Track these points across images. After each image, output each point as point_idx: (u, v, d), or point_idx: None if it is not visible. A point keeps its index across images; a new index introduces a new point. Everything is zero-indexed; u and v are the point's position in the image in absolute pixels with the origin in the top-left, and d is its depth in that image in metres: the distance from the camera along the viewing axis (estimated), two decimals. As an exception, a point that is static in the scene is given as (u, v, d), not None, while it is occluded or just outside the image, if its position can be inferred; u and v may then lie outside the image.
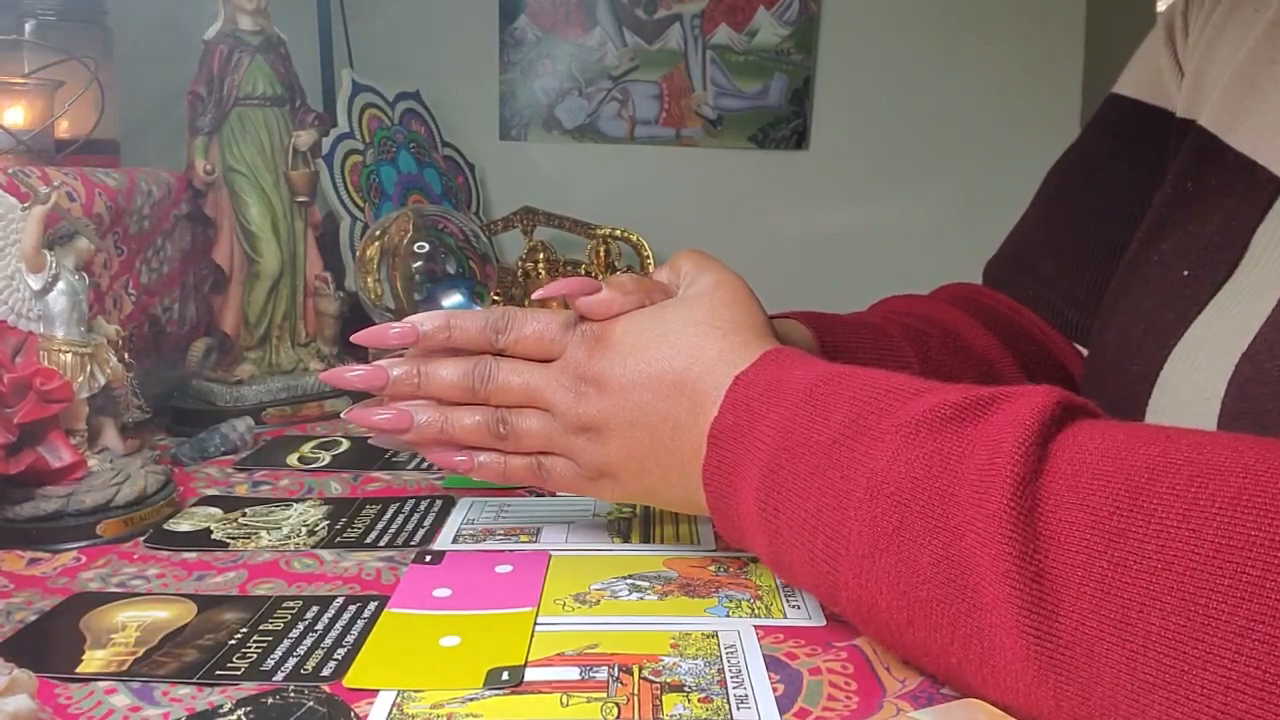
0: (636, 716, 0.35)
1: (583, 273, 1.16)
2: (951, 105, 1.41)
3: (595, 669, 0.39)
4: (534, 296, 0.50)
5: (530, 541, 0.53)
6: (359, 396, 0.73)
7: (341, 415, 0.52)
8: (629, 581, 0.47)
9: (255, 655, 0.40)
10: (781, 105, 1.40)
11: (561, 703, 0.36)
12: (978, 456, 0.34)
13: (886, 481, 0.36)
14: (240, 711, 0.36)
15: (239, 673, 0.39)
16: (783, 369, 0.43)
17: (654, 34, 1.37)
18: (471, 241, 0.74)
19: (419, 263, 0.73)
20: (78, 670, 0.39)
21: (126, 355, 0.63)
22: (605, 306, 0.48)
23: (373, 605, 0.45)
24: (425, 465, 0.67)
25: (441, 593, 0.46)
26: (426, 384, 0.50)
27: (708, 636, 0.42)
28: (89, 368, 0.58)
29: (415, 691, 0.37)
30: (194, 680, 0.38)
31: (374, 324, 0.77)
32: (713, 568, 0.49)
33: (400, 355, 0.51)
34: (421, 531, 0.54)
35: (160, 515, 0.56)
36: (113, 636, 0.42)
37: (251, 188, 0.79)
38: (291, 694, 0.37)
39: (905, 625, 0.36)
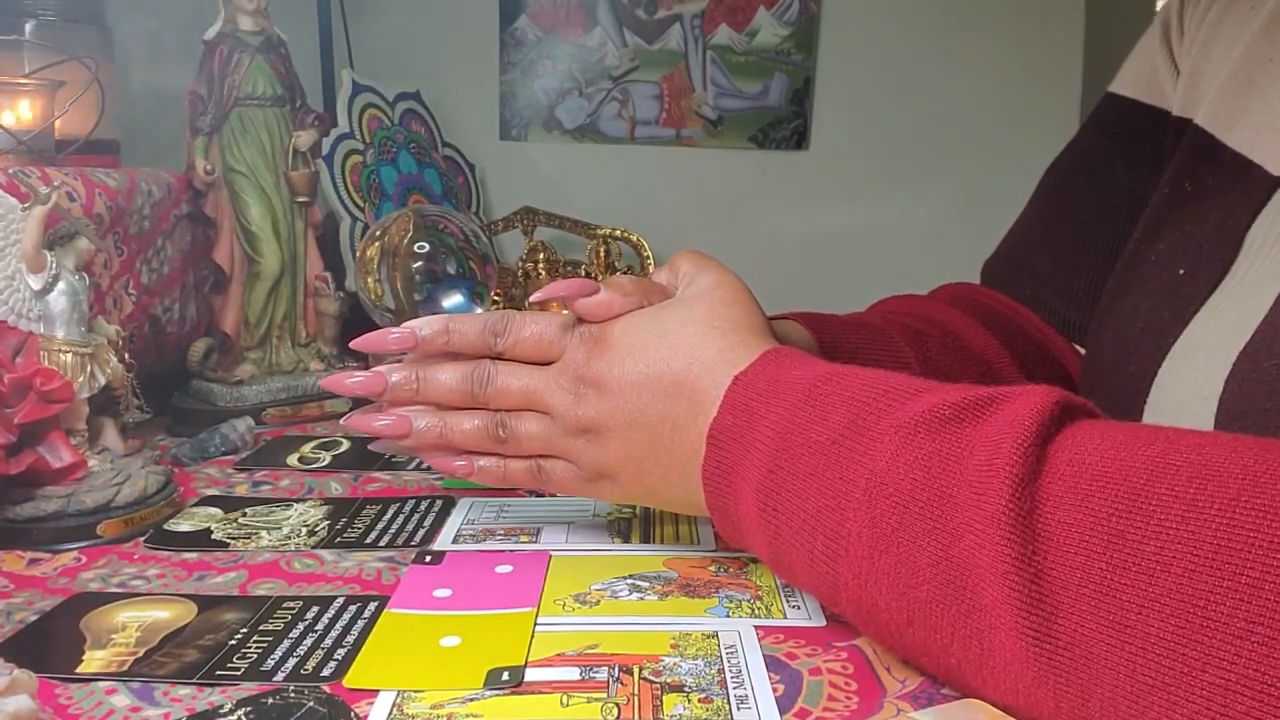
0: (637, 717, 0.35)
1: (583, 273, 1.16)
2: (951, 105, 1.41)
3: (595, 669, 0.39)
4: (532, 299, 0.50)
5: (530, 542, 0.53)
6: (359, 402, 0.73)
7: (341, 422, 0.52)
8: (629, 582, 0.47)
9: (255, 655, 0.40)
10: (782, 105, 1.40)
11: (562, 703, 0.36)
12: (977, 457, 0.34)
13: (886, 482, 0.36)
14: (240, 712, 0.36)
15: (239, 673, 0.39)
16: (781, 369, 0.43)
17: (654, 34, 1.37)
18: (472, 242, 0.74)
19: (419, 263, 0.73)
20: (78, 670, 0.39)
21: (127, 355, 0.63)
22: (604, 308, 0.48)
23: (373, 605, 0.45)
24: (425, 466, 0.67)
25: (442, 593, 0.46)
26: (425, 389, 0.50)
27: (708, 637, 0.42)
28: (89, 368, 0.58)
29: (415, 692, 0.37)
30: (194, 680, 0.38)
31: (374, 324, 0.77)
32: (713, 568, 0.49)
33: (399, 360, 0.51)
34: (422, 532, 0.54)
35: (160, 515, 0.56)
36: (113, 637, 0.42)
37: (252, 188, 0.79)
38: (292, 694, 0.37)
39: (905, 626, 0.36)
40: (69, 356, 0.57)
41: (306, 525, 0.55)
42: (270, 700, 0.36)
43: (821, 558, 0.38)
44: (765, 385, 0.43)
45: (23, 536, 0.52)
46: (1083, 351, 0.61)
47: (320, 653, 0.40)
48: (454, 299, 0.74)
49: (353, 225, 1.03)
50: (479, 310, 0.75)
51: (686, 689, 0.37)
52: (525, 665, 0.39)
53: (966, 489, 0.34)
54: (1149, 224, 0.54)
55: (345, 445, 0.71)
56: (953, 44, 1.40)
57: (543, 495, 0.61)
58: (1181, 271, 0.49)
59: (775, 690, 0.37)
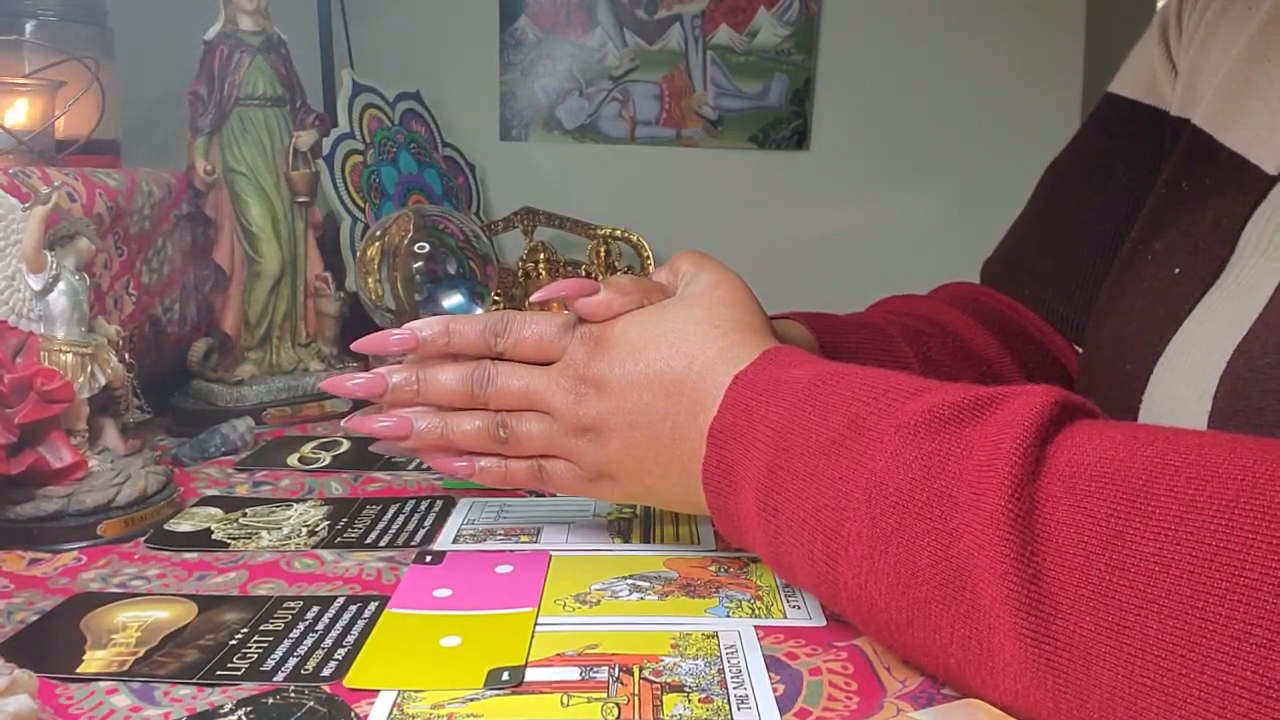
0: (637, 717, 0.35)
1: (583, 273, 1.16)
2: (952, 105, 1.41)
3: (596, 669, 0.39)
4: (532, 299, 0.50)
5: (531, 542, 0.53)
6: (359, 403, 0.73)
7: (342, 424, 0.52)
8: (629, 582, 0.47)
9: (256, 655, 0.40)
10: (782, 105, 1.40)
11: (562, 703, 0.36)
12: (976, 457, 0.34)
13: (885, 482, 0.36)
14: (241, 712, 0.36)
15: (239, 673, 0.39)
16: (782, 368, 0.43)
17: (654, 34, 1.37)
18: (472, 242, 0.74)
19: (419, 263, 0.73)
20: (78, 670, 0.39)
21: (127, 355, 0.63)
22: (604, 308, 0.48)
23: (373, 605, 0.45)
24: (426, 466, 0.67)
25: (442, 593, 0.46)
26: (426, 390, 0.50)
27: (708, 637, 0.42)
28: (89, 368, 0.58)
29: (416, 692, 0.37)
30: (194, 680, 0.38)
31: (375, 324, 0.77)
32: (713, 568, 0.49)
33: (399, 361, 0.51)
34: (422, 532, 0.54)
35: (161, 515, 0.56)
36: (113, 637, 0.42)
37: (252, 188, 0.79)
38: (292, 694, 0.37)
39: (905, 625, 0.36)
40: (69, 356, 0.57)
41: (307, 525, 0.55)
42: (270, 700, 0.36)
43: (821, 557, 0.39)
44: (765, 384, 0.43)
45: (23, 536, 0.52)
46: (1081, 351, 0.61)
47: (320, 653, 0.40)
48: (454, 299, 0.74)
49: (353, 225, 1.03)
50: (479, 310, 0.75)
51: (687, 689, 0.37)
52: (525, 665, 0.39)
53: (966, 489, 0.34)
54: (1146, 224, 0.54)
55: (345, 445, 0.71)
56: (953, 44, 1.40)
57: (543, 495, 0.61)
58: (1177, 270, 0.49)
59: (775, 690, 0.37)
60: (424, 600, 0.45)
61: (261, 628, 0.42)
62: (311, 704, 0.36)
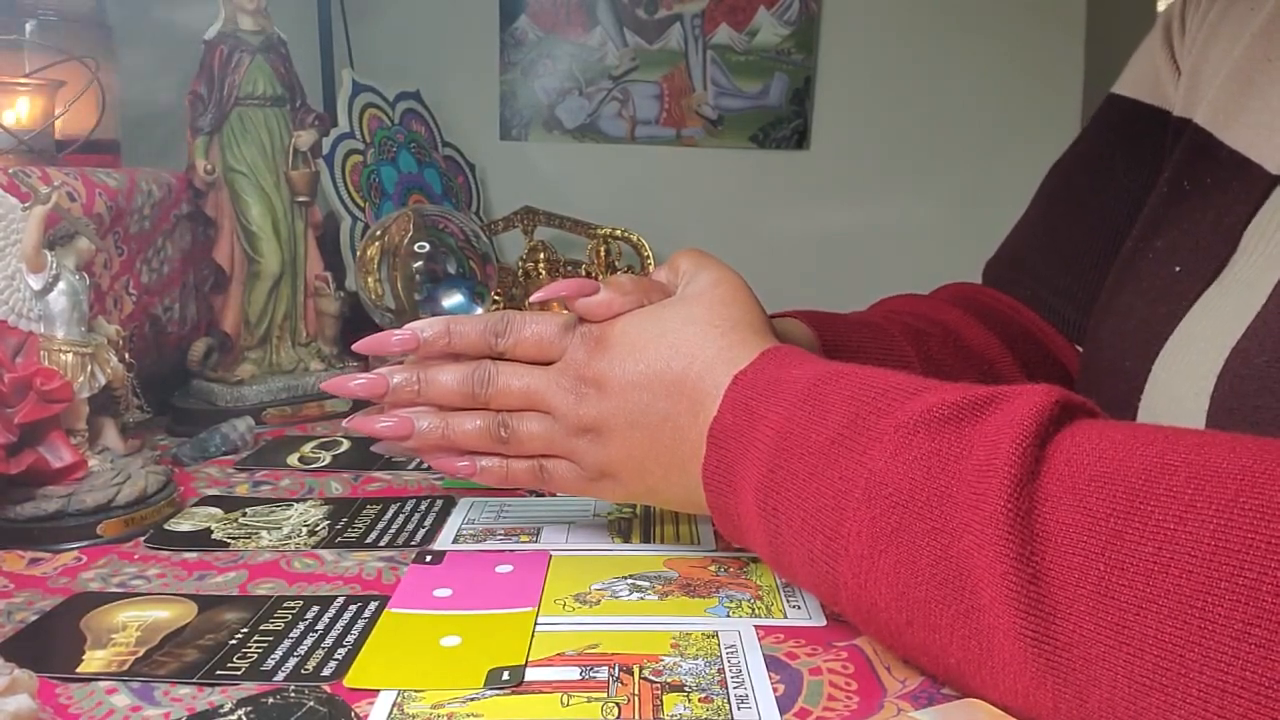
0: (637, 716, 0.35)
1: (583, 273, 1.16)
2: (952, 105, 1.41)
3: (596, 669, 0.39)
4: (532, 299, 0.50)
5: (531, 541, 0.53)
6: (360, 403, 0.73)
7: (343, 424, 0.52)
8: (629, 581, 0.47)
9: (256, 655, 0.40)
10: (782, 105, 1.40)
11: (562, 703, 0.36)
12: (976, 457, 0.34)
13: (885, 482, 0.36)
14: (241, 711, 0.36)
15: (239, 673, 0.39)
16: (782, 368, 0.43)
17: (654, 34, 1.37)
18: (472, 241, 0.74)
19: (419, 263, 0.73)
20: (78, 670, 0.39)
21: (127, 355, 0.63)
22: (604, 307, 0.48)
23: (373, 605, 0.45)
24: (426, 465, 0.67)
25: (442, 593, 0.46)
26: (427, 390, 0.50)
27: (708, 636, 0.42)
28: (89, 368, 0.58)
29: (416, 691, 0.37)
30: (194, 680, 0.38)
31: (375, 324, 0.77)
32: (713, 568, 0.49)
33: (400, 362, 0.51)
34: (422, 531, 0.54)
35: (161, 515, 0.56)
36: (113, 636, 0.42)
37: (252, 187, 0.79)
38: (292, 694, 0.37)
39: (905, 625, 0.36)
40: (69, 356, 0.57)
41: (307, 525, 0.55)
42: (271, 700, 0.36)
43: (821, 557, 0.39)
44: (765, 384, 0.43)
45: (23, 536, 0.52)
46: (1082, 350, 0.61)
47: (321, 652, 0.40)
48: (454, 299, 0.74)
49: (353, 225, 1.03)
50: (479, 310, 0.75)
51: (687, 689, 0.37)
52: (525, 665, 0.39)
53: (965, 489, 0.34)
54: (1147, 223, 0.54)
55: (345, 445, 0.71)
56: (953, 44, 1.40)
57: (543, 494, 0.61)
58: (1178, 269, 0.49)
59: (775, 690, 0.37)
60: (424, 600, 0.45)
61: (261, 627, 0.42)
62: (312, 704, 0.36)
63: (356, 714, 0.36)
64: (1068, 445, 0.33)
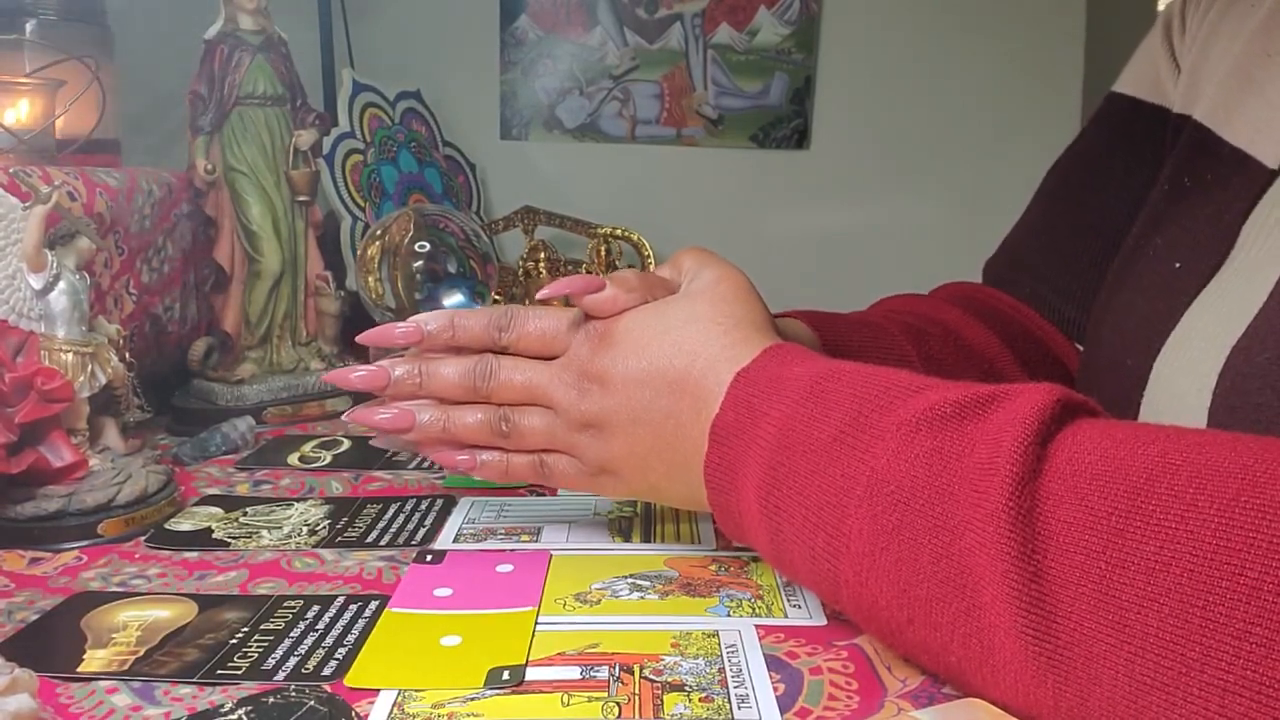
0: (637, 716, 0.35)
1: (584, 272, 1.16)
2: (952, 105, 1.41)
3: (596, 668, 0.39)
4: (538, 295, 0.50)
5: (531, 541, 0.53)
6: (360, 397, 0.73)
7: (343, 417, 0.52)
8: (630, 581, 0.47)
9: (256, 655, 0.40)
10: (782, 105, 1.40)
11: (562, 702, 0.36)
12: (978, 455, 0.34)
13: (887, 480, 0.36)
14: (241, 711, 0.36)
15: (240, 672, 0.39)
16: (784, 366, 0.43)
17: (655, 33, 1.37)
18: (472, 241, 0.74)
19: (420, 262, 0.73)
20: (79, 670, 0.39)
21: (128, 355, 0.63)
22: (610, 304, 0.48)
23: (374, 605, 0.45)
24: (426, 465, 0.67)
25: (442, 592, 0.46)
26: (428, 383, 0.50)
27: (708, 636, 0.42)
28: (90, 367, 0.58)
29: (416, 691, 0.37)
30: (195, 680, 0.38)
31: (375, 323, 0.77)
32: (714, 567, 0.49)
33: (401, 355, 0.51)
34: (422, 531, 0.54)
35: (161, 515, 0.56)
36: (114, 636, 0.42)
37: (252, 187, 0.79)
38: (292, 693, 0.37)
39: (905, 623, 0.36)
40: (70, 356, 0.57)
41: (307, 524, 0.55)
42: (271, 699, 0.36)
43: (823, 554, 0.39)
44: (767, 382, 0.43)
45: (24, 536, 0.52)
46: (1082, 349, 0.61)
47: (321, 652, 0.40)
48: (455, 298, 0.74)
49: (353, 224, 1.03)
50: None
51: (687, 688, 0.37)
52: (526, 664, 0.39)
53: (967, 487, 0.34)
54: (1147, 220, 0.54)
55: (346, 444, 0.71)
56: (954, 44, 1.40)
57: (544, 493, 0.61)
58: (1177, 265, 0.49)
59: (776, 689, 0.37)
60: (424, 599, 0.45)
61: (262, 627, 0.42)
62: (312, 703, 0.36)
63: (357, 713, 0.36)
64: (1069, 444, 0.33)
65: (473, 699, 0.37)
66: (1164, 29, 0.59)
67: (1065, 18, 1.40)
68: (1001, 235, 0.70)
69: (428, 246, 0.72)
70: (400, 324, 0.50)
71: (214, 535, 0.54)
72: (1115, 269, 0.56)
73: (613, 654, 0.40)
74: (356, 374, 0.50)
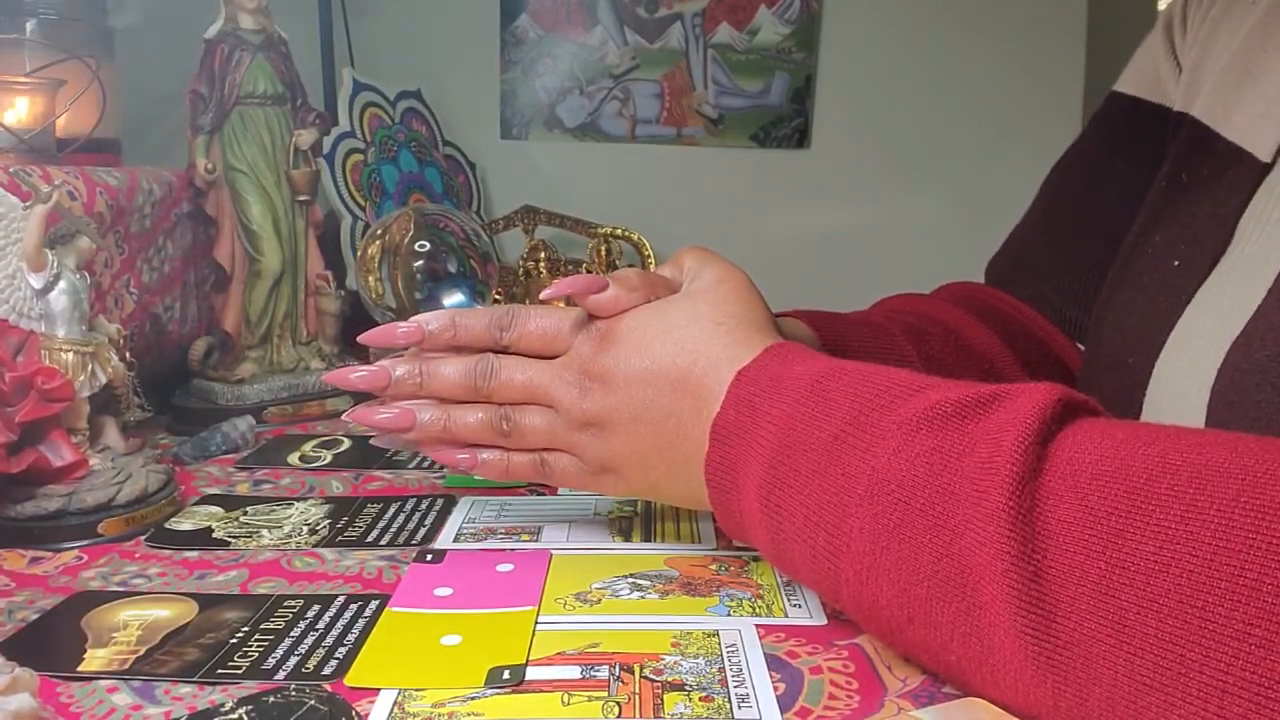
0: (638, 715, 0.35)
1: (584, 272, 1.16)
2: (953, 104, 1.41)
3: (596, 668, 0.39)
4: (542, 295, 0.50)
5: (531, 540, 0.53)
6: (360, 396, 0.73)
7: (343, 416, 0.52)
8: (630, 580, 0.47)
9: (257, 654, 0.40)
10: (783, 104, 1.39)
11: (563, 701, 0.36)
12: (978, 454, 0.34)
13: (888, 479, 0.36)
14: (242, 710, 0.36)
15: (240, 671, 0.39)
16: (785, 365, 0.43)
17: (655, 33, 1.37)
18: (472, 240, 0.74)
19: (420, 261, 0.73)
20: (79, 669, 0.39)
21: (128, 354, 0.63)
22: (613, 304, 0.48)
23: (374, 604, 0.45)
24: (427, 464, 0.67)
25: (443, 591, 0.46)
26: (429, 383, 0.50)
27: (709, 635, 0.42)
28: (90, 367, 0.58)
29: (416, 690, 0.37)
30: (195, 679, 0.38)
31: (375, 323, 0.77)
32: (714, 566, 0.49)
33: (401, 355, 0.51)
34: (423, 530, 0.54)
35: (161, 514, 0.56)
36: (114, 635, 0.42)
37: (253, 186, 0.79)
38: (293, 693, 0.37)
39: (905, 623, 0.36)
40: (70, 355, 0.57)
41: (307, 524, 0.55)
42: (271, 699, 0.36)
43: (823, 554, 0.39)
44: (768, 381, 0.43)
45: (24, 535, 0.52)
46: (1084, 348, 0.61)
47: (321, 651, 0.40)
48: (455, 298, 0.74)
49: (354, 224, 1.03)
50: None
51: (687, 688, 0.37)
52: (526, 664, 0.39)
53: (967, 486, 0.34)
54: (1147, 217, 0.54)
55: (346, 444, 0.71)
56: (955, 43, 1.40)
57: (544, 493, 0.61)
58: (1176, 263, 0.49)
59: (776, 689, 0.37)
60: (425, 599, 0.45)
61: (262, 626, 0.42)
62: (312, 702, 0.36)
63: (357, 713, 0.36)
64: (1070, 443, 0.33)
65: (473, 698, 0.37)
66: (1165, 28, 0.59)
67: (1066, 17, 1.40)
68: (1001, 235, 0.70)
69: (428, 246, 0.72)
70: (402, 324, 0.50)
71: (214, 535, 0.54)
72: (1116, 267, 0.56)
73: (613, 653, 0.40)
74: (357, 374, 0.50)
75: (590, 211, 1.24)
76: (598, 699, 0.36)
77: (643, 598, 0.45)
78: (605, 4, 1.35)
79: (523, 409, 0.49)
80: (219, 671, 0.39)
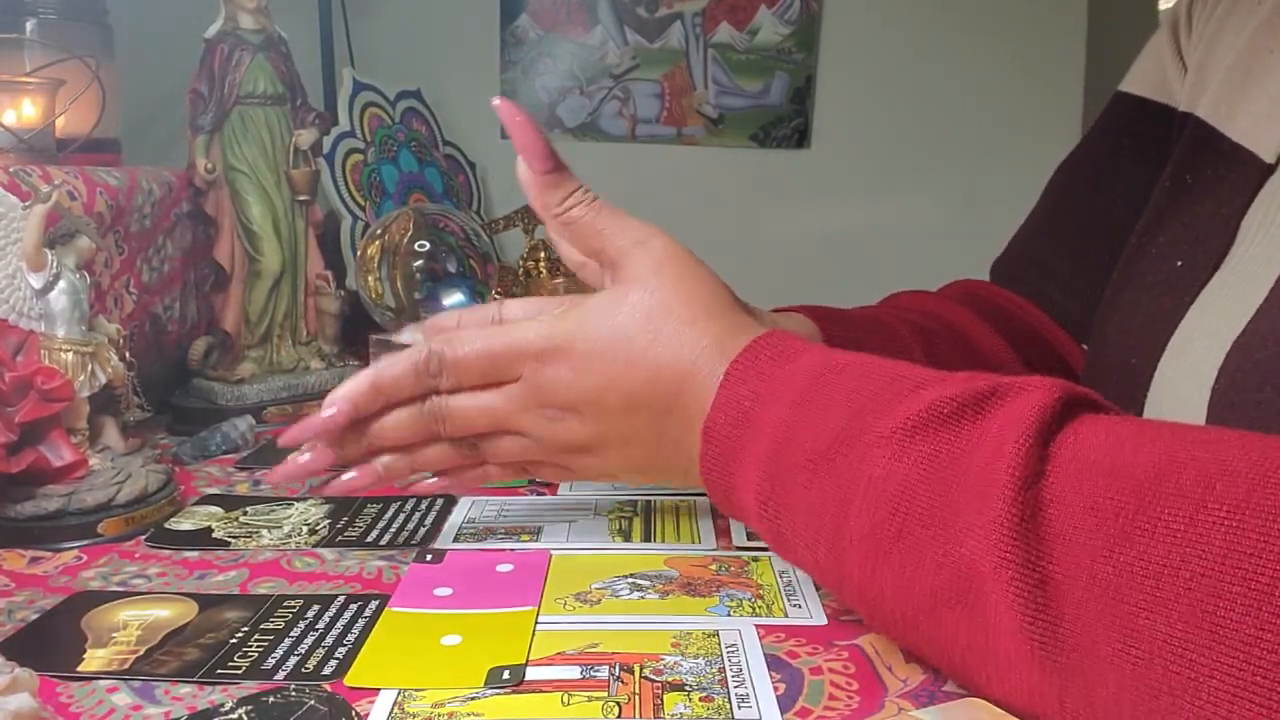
0: (638, 715, 0.35)
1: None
2: (953, 104, 1.41)
3: (596, 668, 0.39)
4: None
5: (531, 540, 0.53)
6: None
7: (308, 490, 0.51)
8: (630, 580, 0.47)
9: (256, 654, 0.40)
10: (783, 104, 1.39)
11: (563, 701, 0.36)
12: (978, 458, 0.34)
13: (886, 487, 0.36)
14: (241, 710, 0.36)
15: (240, 671, 0.39)
16: (776, 364, 0.42)
17: (655, 32, 1.37)
18: (472, 240, 0.74)
19: (420, 261, 0.73)
20: (79, 669, 0.39)
21: (127, 354, 0.63)
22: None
23: (374, 604, 0.45)
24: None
25: (442, 592, 0.46)
26: (380, 443, 0.48)
27: (709, 635, 0.42)
28: (90, 367, 0.58)
29: (416, 690, 0.37)
30: (195, 679, 0.38)
31: (375, 322, 0.77)
32: (714, 567, 0.49)
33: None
34: (423, 530, 0.54)
35: (161, 514, 0.56)
36: (114, 635, 0.42)
37: (253, 186, 0.79)
38: (293, 693, 0.37)
39: (910, 626, 0.36)
40: (70, 355, 0.57)
41: (307, 524, 0.55)
42: (271, 699, 0.36)
43: (825, 558, 0.38)
44: (758, 380, 0.42)
45: (24, 535, 0.52)
46: (1087, 349, 0.61)
47: (321, 651, 0.40)
48: (454, 297, 0.74)
49: (353, 224, 1.03)
50: (480, 309, 0.75)
51: (687, 688, 0.37)
52: (526, 664, 0.39)
53: (969, 492, 0.34)
54: (1150, 218, 0.54)
55: (346, 444, 0.71)
56: (954, 42, 1.40)
57: (544, 493, 0.61)
58: (1179, 263, 0.49)
59: (776, 689, 0.37)
60: (424, 599, 0.45)
61: (262, 626, 0.42)
62: (312, 702, 0.36)
63: (357, 713, 0.36)
64: (1072, 442, 0.33)
65: (473, 698, 0.37)
66: (1170, 28, 0.59)
67: (1066, 17, 1.40)
68: (1001, 235, 0.70)
69: (428, 246, 0.72)
70: (323, 412, 0.46)
71: (214, 535, 0.54)
72: (1119, 267, 0.56)
73: (613, 653, 0.40)
74: (302, 458, 0.48)
75: (590, 211, 1.24)
76: (598, 699, 0.36)
77: (643, 598, 0.45)
78: (605, 4, 1.35)
79: (492, 438, 0.48)
80: (219, 671, 0.39)
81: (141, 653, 0.40)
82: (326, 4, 1.21)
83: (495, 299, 0.91)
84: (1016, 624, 0.32)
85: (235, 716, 0.35)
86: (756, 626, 0.42)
